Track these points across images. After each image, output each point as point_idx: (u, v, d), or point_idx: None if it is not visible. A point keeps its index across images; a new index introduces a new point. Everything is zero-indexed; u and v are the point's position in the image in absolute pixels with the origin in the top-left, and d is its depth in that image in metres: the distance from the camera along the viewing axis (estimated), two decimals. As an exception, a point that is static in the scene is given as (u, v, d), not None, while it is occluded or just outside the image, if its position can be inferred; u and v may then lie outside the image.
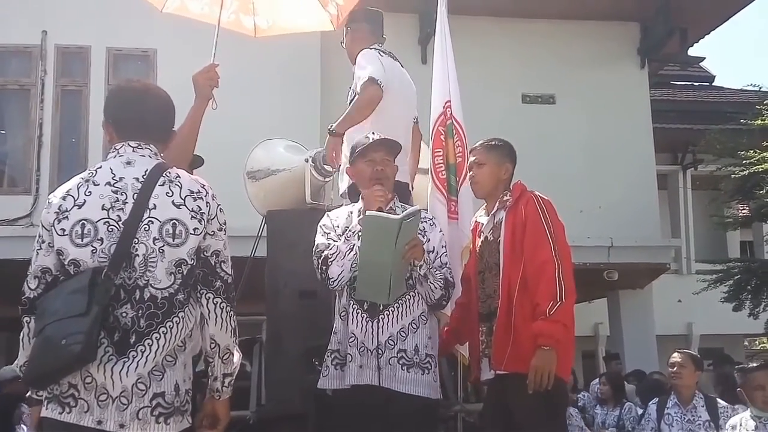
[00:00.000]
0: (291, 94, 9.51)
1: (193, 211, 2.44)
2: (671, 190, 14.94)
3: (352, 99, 4.27)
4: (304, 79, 9.70)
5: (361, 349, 3.32)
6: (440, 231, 3.60)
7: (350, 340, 3.34)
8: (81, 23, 9.46)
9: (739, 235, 15.14)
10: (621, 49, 11.35)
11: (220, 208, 2.51)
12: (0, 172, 9.95)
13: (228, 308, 2.47)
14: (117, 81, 9.59)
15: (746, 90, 13.63)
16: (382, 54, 4.30)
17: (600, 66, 11.15)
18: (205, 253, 2.45)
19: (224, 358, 2.49)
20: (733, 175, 10.20)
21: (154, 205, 2.40)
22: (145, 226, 2.37)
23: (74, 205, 2.42)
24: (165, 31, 8.58)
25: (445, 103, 4.50)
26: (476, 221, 3.81)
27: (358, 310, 3.36)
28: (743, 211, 11.89)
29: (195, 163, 3.58)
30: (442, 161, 4.42)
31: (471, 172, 3.76)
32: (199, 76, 3.43)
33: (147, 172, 2.44)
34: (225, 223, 2.52)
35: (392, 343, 3.31)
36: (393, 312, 3.35)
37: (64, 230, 2.41)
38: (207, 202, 2.48)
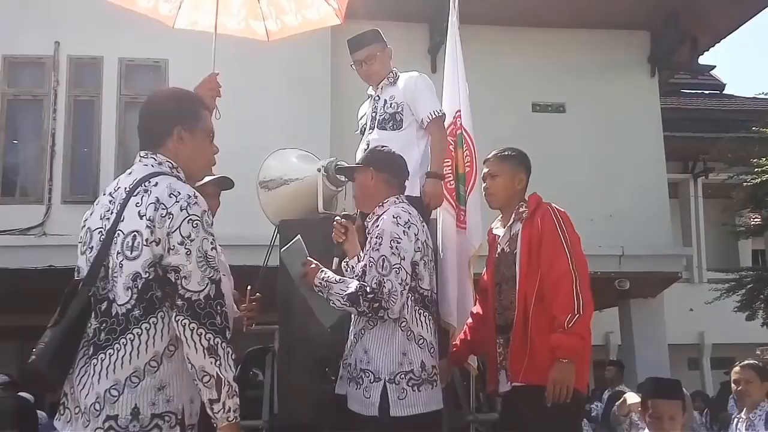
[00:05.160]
0: (301, 103, 9.54)
1: (149, 220, 2.26)
2: (682, 199, 14.90)
3: (395, 113, 4.29)
4: (314, 88, 9.73)
5: (344, 362, 3.51)
6: (377, 236, 3.39)
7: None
8: (93, 34, 9.50)
9: (751, 243, 15.08)
10: (631, 58, 11.33)
11: (189, 220, 2.27)
12: (13, 181, 9.99)
13: (195, 326, 2.23)
14: (129, 91, 9.69)
15: (757, 98, 13.63)
16: None
17: (610, 75, 11.13)
18: (166, 269, 2.26)
19: (204, 381, 2.24)
20: (744, 184, 10.17)
21: (124, 216, 2.32)
22: (116, 238, 2.31)
23: (90, 214, 2.47)
24: (176, 41, 8.59)
25: (456, 113, 4.50)
26: (493, 233, 3.80)
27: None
28: (755, 220, 11.82)
29: (225, 184, 3.53)
30: (450, 171, 4.42)
31: (485, 184, 3.74)
32: (200, 88, 3.42)
33: (134, 181, 2.37)
34: (189, 237, 2.26)
35: (348, 356, 3.45)
36: (351, 328, 3.49)
37: (79, 238, 2.46)
38: (170, 213, 2.26)
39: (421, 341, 3.37)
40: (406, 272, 3.31)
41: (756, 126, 10.34)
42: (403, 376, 3.28)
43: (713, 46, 12.02)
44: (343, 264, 3.64)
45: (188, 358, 2.25)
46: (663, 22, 10.99)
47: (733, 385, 5.04)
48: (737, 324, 11.06)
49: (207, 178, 3.41)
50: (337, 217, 3.73)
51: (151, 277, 2.26)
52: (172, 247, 2.26)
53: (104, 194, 2.45)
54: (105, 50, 9.63)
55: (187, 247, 2.26)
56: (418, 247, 3.40)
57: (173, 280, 2.25)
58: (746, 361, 5.05)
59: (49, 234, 9.04)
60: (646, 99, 11.29)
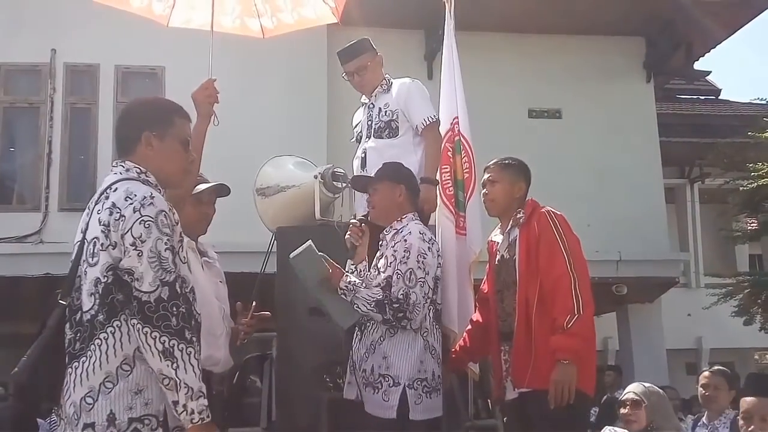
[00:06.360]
0: (298, 110, 9.53)
1: (104, 225, 2.28)
2: (679, 204, 14.90)
3: (390, 121, 4.30)
4: (311, 95, 9.72)
5: (351, 366, 3.60)
6: (404, 250, 3.51)
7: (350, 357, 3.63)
8: (90, 41, 9.50)
9: (748, 248, 15.08)
10: (627, 64, 11.34)
11: (141, 221, 2.26)
12: (9, 189, 9.98)
13: (149, 330, 2.19)
14: (126, 98, 9.67)
15: (752, 103, 13.64)
16: None
17: (606, 80, 11.15)
18: (120, 272, 2.25)
19: (164, 384, 2.21)
20: (741, 188, 10.18)
21: (89, 226, 2.35)
22: (84, 249, 2.33)
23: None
24: (173, 48, 8.65)
25: (453, 119, 4.51)
26: (492, 240, 3.82)
27: (357, 329, 3.63)
28: (752, 225, 11.82)
29: (221, 192, 3.49)
30: (449, 177, 4.43)
31: (484, 190, 3.77)
32: (198, 94, 3.37)
33: (101, 191, 2.40)
34: (140, 237, 2.24)
35: (362, 361, 3.53)
36: (364, 333, 3.57)
37: None
38: (122, 215, 2.26)
39: (434, 351, 3.55)
40: (429, 287, 3.51)
41: (751, 131, 10.35)
42: (420, 382, 3.45)
43: (708, 51, 12.05)
44: (352, 267, 3.70)
45: (148, 362, 2.22)
46: (658, 28, 11.00)
47: (701, 389, 5.00)
48: (735, 329, 11.04)
49: (203, 186, 3.40)
50: (354, 220, 3.80)
51: (110, 281, 2.27)
52: (126, 249, 2.25)
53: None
54: (101, 57, 9.61)
55: (138, 248, 2.25)
56: (439, 263, 3.60)
57: (129, 282, 2.24)
58: (716, 367, 5.04)
59: (46, 242, 9.02)
60: (642, 104, 11.29)
